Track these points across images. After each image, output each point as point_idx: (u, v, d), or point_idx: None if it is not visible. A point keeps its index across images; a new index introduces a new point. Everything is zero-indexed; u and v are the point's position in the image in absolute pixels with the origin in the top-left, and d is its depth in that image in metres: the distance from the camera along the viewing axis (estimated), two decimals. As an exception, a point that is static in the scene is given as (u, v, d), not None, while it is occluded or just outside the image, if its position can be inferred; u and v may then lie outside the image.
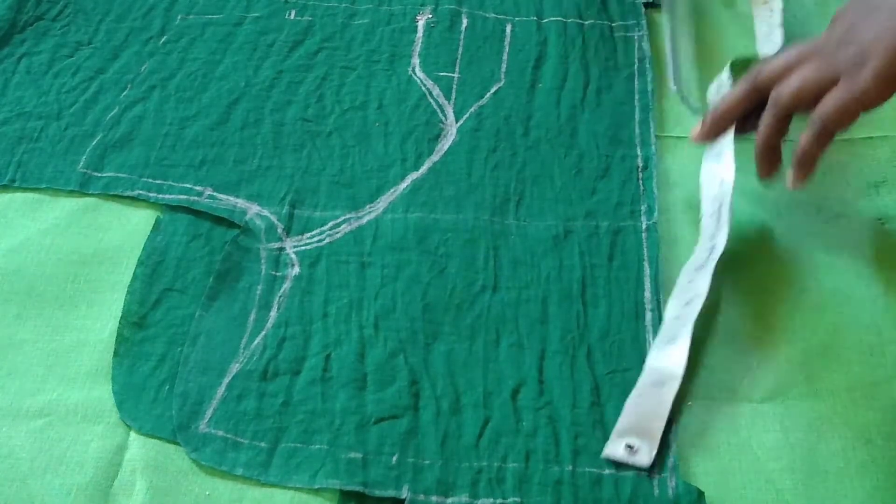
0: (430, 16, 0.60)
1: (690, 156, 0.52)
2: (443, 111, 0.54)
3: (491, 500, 0.38)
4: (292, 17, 0.61)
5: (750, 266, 0.47)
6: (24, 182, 0.51)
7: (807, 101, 0.44)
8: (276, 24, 0.60)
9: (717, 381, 0.42)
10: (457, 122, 0.54)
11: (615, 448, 0.40)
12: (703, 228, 0.47)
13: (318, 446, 0.40)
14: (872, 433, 0.40)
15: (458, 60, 0.57)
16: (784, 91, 0.45)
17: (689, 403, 0.42)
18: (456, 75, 0.56)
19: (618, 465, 0.39)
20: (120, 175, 0.51)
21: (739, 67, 0.50)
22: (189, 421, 0.41)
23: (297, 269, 0.46)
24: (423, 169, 0.51)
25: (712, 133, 0.48)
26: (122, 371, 0.43)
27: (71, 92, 0.56)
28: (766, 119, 0.46)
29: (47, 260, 0.47)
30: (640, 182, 0.50)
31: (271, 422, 0.41)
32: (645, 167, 0.51)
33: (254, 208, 0.49)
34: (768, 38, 0.58)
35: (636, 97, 0.55)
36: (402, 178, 0.51)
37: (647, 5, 0.62)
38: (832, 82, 0.44)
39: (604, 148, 0.52)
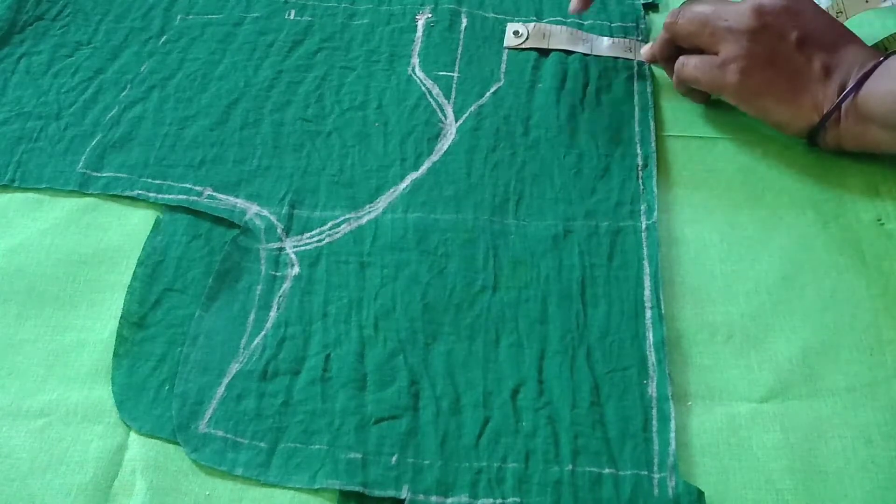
0: (430, 15, 0.60)
1: (690, 155, 0.52)
2: (442, 111, 0.54)
3: (491, 500, 0.38)
4: (292, 17, 0.61)
5: (749, 265, 0.47)
6: (23, 182, 0.51)
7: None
8: (275, 24, 0.60)
9: (717, 380, 0.42)
10: (456, 121, 0.54)
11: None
12: None
13: (317, 446, 0.40)
14: (872, 433, 0.40)
15: (457, 60, 0.57)
16: (678, 30, 0.52)
17: (689, 403, 0.42)
18: (455, 75, 0.56)
19: (618, 464, 0.39)
20: (119, 175, 0.51)
21: None
22: (189, 421, 0.41)
23: (296, 269, 0.46)
24: (423, 169, 0.51)
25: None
26: (122, 371, 0.43)
27: (70, 92, 0.56)
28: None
29: (47, 260, 0.47)
30: (640, 181, 0.50)
31: (271, 422, 0.41)
32: (645, 166, 0.51)
33: (253, 208, 0.49)
34: None
35: (635, 96, 0.55)
36: (402, 177, 0.51)
37: (646, 6, 0.62)
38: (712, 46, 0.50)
39: (603, 147, 0.52)
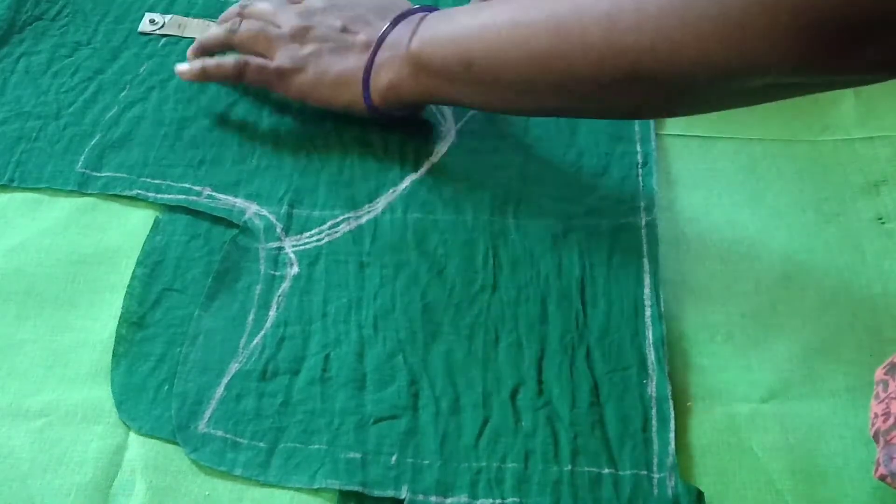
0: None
1: (690, 154, 0.52)
2: (442, 114, 0.54)
3: (490, 500, 0.38)
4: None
5: (749, 266, 0.47)
6: (22, 182, 0.51)
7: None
8: (275, 24, 0.60)
9: (716, 380, 0.42)
10: (456, 124, 0.54)
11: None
12: None
13: (317, 446, 0.40)
14: (872, 433, 0.40)
15: None
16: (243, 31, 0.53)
17: (689, 403, 0.42)
18: None
19: (617, 464, 0.39)
20: (119, 175, 0.51)
21: None
22: (188, 421, 0.41)
23: (295, 269, 0.46)
24: (423, 170, 0.51)
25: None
26: (121, 371, 0.43)
27: (70, 92, 0.56)
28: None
29: (47, 260, 0.47)
30: (640, 178, 0.50)
31: (270, 422, 0.41)
32: (645, 163, 0.51)
33: (252, 208, 0.49)
34: None
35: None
36: (402, 178, 0.51)
37: None
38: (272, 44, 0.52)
39: (603, 145, 0.52)
